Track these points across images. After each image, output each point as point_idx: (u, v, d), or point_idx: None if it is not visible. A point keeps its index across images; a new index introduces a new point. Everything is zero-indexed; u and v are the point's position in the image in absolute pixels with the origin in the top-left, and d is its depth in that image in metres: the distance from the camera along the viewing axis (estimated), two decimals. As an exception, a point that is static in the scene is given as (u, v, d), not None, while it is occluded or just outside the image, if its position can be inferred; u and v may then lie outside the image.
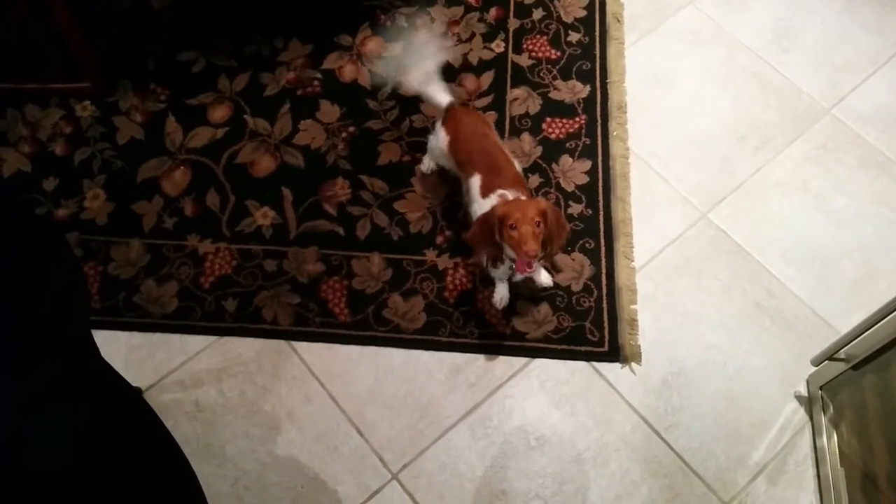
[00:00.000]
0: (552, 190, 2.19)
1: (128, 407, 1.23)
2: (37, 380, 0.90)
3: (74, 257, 1.02)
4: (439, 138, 2.00)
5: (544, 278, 2.02)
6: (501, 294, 1.98)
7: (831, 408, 1.83)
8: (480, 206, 1.84)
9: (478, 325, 2.01)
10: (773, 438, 1.90)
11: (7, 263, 0.84)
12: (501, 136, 2.27)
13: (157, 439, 1.29)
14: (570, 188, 2.20)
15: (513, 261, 1.78)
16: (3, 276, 0.83)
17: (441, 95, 2.04)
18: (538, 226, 1.65)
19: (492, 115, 2.31)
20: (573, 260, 2.09)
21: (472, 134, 1.95)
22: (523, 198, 1.79)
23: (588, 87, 2.38)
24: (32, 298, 0.87)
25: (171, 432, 1.32)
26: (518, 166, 1.96)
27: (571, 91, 2.37)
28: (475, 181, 1.89)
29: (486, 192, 1.84)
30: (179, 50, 2.42)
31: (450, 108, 2.01)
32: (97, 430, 1.10)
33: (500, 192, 1.81)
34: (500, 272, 1.92)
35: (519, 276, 1.90)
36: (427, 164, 2.20)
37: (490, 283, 2.05)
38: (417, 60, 2.10)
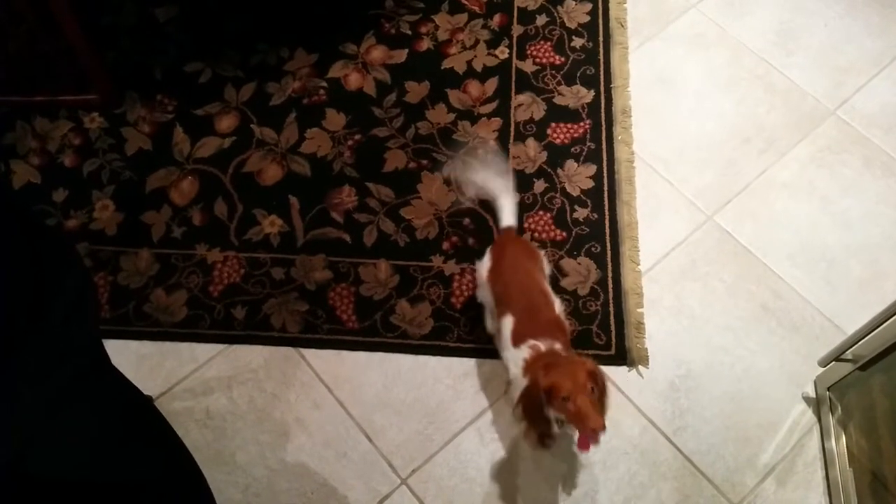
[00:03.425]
0: (557, 195, 2.20)
1: (139, 414, 1.24)
2: (49, 387, 0.92)
3: (85, 267, 1.04)
4: (483, 263, 1.87)
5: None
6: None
7: (839, 409, 1.83)
8: (512, 355, 1.67)
9: (485, 330, 2.01)
10: (782, 440, 1.90)
11: (20, 273, 0.85)
12: (506, 141, 2.28)
13: (169, 445, 1.30)
14: (575, 193, 2.21)
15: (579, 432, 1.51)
16: (17, 285, 0.84)
17: (507, 214, 1.90)
18: (592, 392, 1.45)
19: (497, 122, 2.32)
20: (579, 264, 2.10)
21: (514, 266, 1.79)
22: (558, 347, 1.63)
23: (592, 92, 2.39)
24: (45, 307, 0.88)
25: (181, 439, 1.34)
26: (558, 308, 1.75)
27: (576, 96, 2.38)
28: (507, 322, 1.70)
29: (517, 340, 1.66)
30: (186, 61, 2.44)
31: (503, 233, 1.90)
32: (109, 436, 1.11)
33: (531, 342, 1.62)
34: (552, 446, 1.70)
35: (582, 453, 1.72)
36: (489, 323, 1.95)
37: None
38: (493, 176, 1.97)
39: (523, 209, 2.17)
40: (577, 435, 1.51)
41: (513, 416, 1.76)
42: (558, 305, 1.76)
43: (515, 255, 1.81)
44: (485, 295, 1.88)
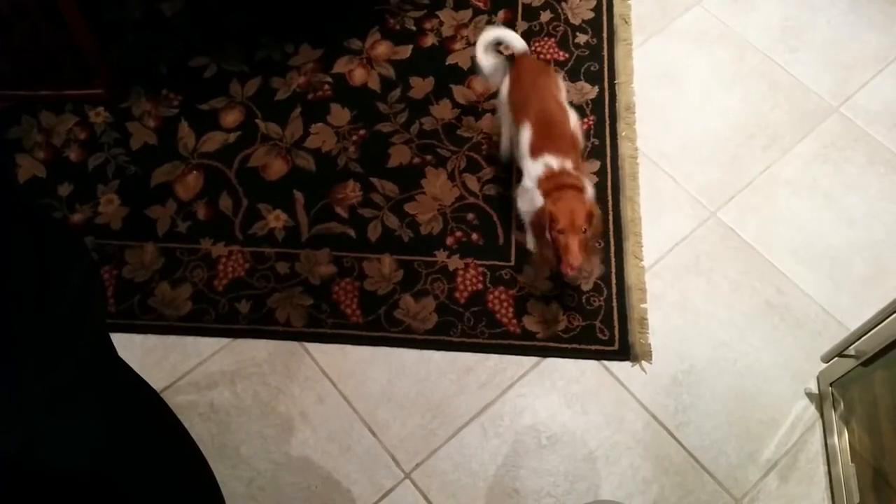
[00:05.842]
0: (561, 190, 2.20)
1: (146, 405, 1.25)
2: (56, 379, 0.92)
3: (91, 260, 1.04)
4: (503, 84, 2.04)
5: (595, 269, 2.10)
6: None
7: (842, 404, 1.84)
8: (529, 165, 1.88)
9: (489, 326, 2.02)
10: (784, 435, 1.91)
11: (27, 266, 0.86)
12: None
13: (176, 437, 1.30)
14: (579, 188, 2.21)
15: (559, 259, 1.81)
16: (24, 278, 0.85)
17: (519, 42, 2.06)
18: (584, 232, 1.69)
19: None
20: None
21: (533, 80, 1.96)
22: (569, 165, 1.82)
23: (596, 89, 2.40)
24: (51, 300, 0.88)
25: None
26: (574, 122, 1.94)
27: (580, 92, 2.38)
28: (525, 133, 1.90)
29: (535, 153, 1.87)
30: (191, 56, 2.45)
31: (520, 54, 2.05)
32: (116, 427, 1.11)
33: (547, 158, 1.84)
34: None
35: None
36: (503, 147, 2.18)
37: (500, 283, 2.07)
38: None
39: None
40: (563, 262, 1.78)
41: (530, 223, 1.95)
42: (574, 118, 1.95)
43: (531, 71, 1.99)
44: (503, 114, 2.07)
